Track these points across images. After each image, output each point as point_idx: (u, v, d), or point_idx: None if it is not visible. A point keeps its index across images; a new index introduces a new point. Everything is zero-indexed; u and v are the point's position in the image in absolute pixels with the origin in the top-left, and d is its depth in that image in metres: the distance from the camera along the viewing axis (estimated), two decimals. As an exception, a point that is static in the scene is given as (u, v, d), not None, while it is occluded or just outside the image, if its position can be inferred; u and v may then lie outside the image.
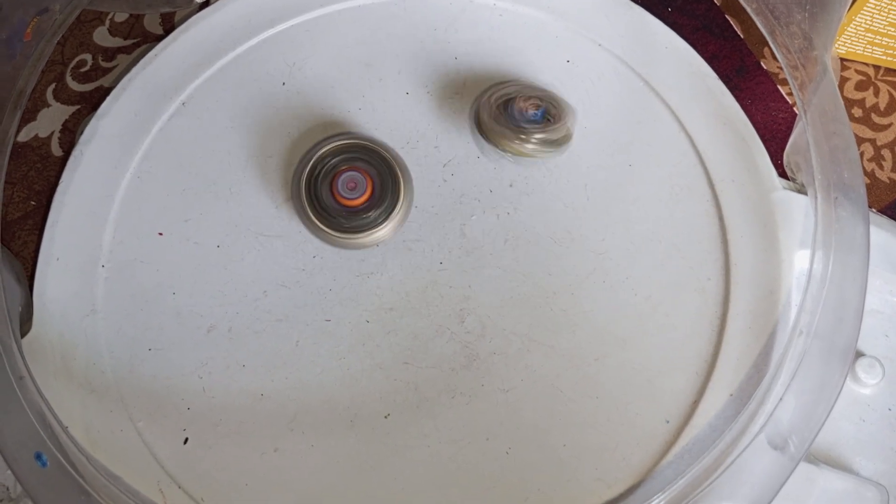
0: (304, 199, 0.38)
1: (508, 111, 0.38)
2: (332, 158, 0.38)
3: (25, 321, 0.37)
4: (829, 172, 0.34)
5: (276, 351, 0.37)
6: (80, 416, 0.36)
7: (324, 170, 0.38)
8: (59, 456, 0.31)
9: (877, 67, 0.45)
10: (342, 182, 0.37)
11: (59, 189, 0.40)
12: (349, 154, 0.38)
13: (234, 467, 0.35)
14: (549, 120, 0.38)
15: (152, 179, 0.40)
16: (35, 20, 0.38)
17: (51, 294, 0.38)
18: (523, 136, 0.38)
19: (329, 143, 0.38)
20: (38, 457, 0.31)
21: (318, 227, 0.38)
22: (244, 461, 0.35)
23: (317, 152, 0.38)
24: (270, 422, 0.36)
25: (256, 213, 0.39)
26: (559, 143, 0.38)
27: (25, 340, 0.37)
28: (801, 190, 0.39)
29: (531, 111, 0.38)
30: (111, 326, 0.38)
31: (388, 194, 0.38)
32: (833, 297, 0.33)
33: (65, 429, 0.33)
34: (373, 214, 0.38)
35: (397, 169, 0.38)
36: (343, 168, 0.38)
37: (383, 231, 0.38)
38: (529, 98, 0.38)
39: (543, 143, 0.38)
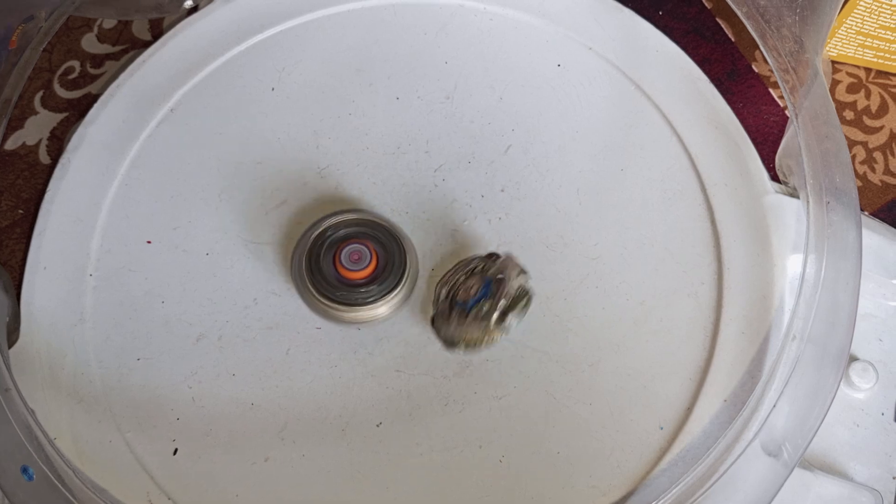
0: (304, 271, 0.36)
1: (458, 307, 0.35)
2: (338, 231, 0.37)
3: (13, 331, 0.37)
4: (821, 176, 0.34)
5: (267, 359, 0.37)
6: (67, 426, 0.35)
7: (327, 242, 0.37)
8: (45, 469, 0.30)
9: (868, 70, 0.45)
10: (346, 254, 0.36)
11: (47, 197, 0.39)
12: (355, 228, 0.37)
13: (224, 477, 0.35)
14: (494, 291, 0.35)
15: (140, 187, 0.40)
16: (20, 28, 0.37)
17: (38, 303, 0.38)
18: (484, 325, 0.35)
19: (335, 217, 0.37)
20: (25, 470, 0.30)
21: (317, 299, 0.36)
22: (235, 471, 0.35)
23: (321, 226, 0.37)
24: (261, 431, 0.36)
25: (246, 220, 0.39)
26: (519, 306, 0.36)
27: (12, 351, 0.36)
28: (793, 193, 0.39)
29: (474, 292, 0.35)
30: (99, 336, 0.37)
31: (393, 269, 0.36)
32: (826, 302, 0.32)
33: (51, 441, 0.32)
34: (374, 289, 0.36)
35: (403, 244, 0.37)
36: (348, 240, 0.36)
37: (383, 308, 0.36)
38: (469, 282, 0.35)
39: (504, 316, 0.35)
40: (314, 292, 0.36)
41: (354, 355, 0.37)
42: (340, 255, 0.36)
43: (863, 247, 0.34)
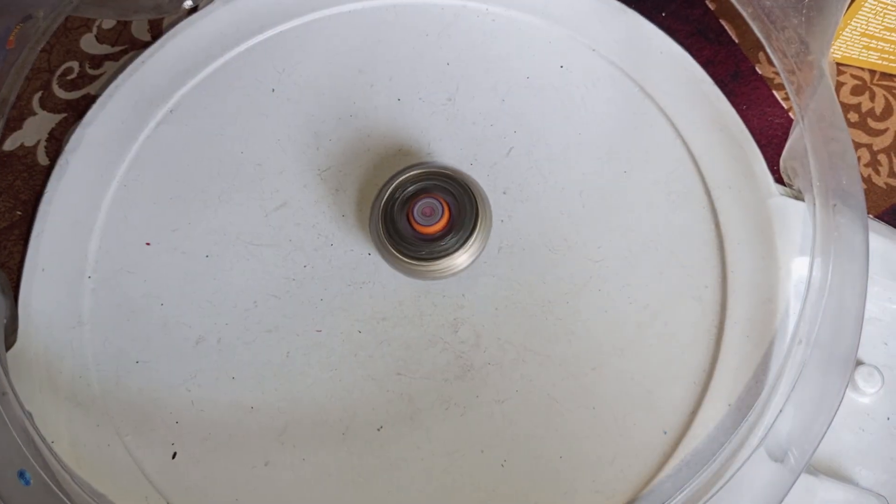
0: (381, 228, 0.36)
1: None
2: (410, 186, 0.37)
3: (10, 334, 0.37)
4: (828, 178, 0.34)
5: (267, 362, 0.36)
6: (65, 430, 0.35)
7: (400, 198, 0.37)
8: (42, 473, 0.30)
9: (872, 72, 0.44)
10: (418, 209, 0.36)
11: (45, 199, 0.39)
12: (427, 181, 0.37)
13: (223, 482, 0.35)
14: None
15: (139, 188, 0.40)
16: (18, 27, 0.37)
17: (36, 306, 0.37)
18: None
19: (406, 173, 0.37)
20: (22, 474, 0.30)
21: (396, 256, 0.36)
22: (234, 475, 0.35)
23: (393, 182, 0.37)
24: (261, 435, 0.35)
25: (246, 222, 0.39)
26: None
27: (10, 353, 0.36)
28: (798, 196, 0.38)
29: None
30: (98, 338, 0.37)
31: (466, 220, 0.36)
32: (833, 306, 0.32)
33: (49, 445, 0.32)
34: (449, 241, 0.36)
35: (474, 195, 0.37)
36: (420, 195, 0.36)
37: (461, 258, 0.36)
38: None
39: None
40: (396, 253, 0.36)
41: (355, 358, 0.37)
42: (413, 212, 0.36)
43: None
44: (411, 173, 0.37)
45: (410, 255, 0.36)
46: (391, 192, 0.37)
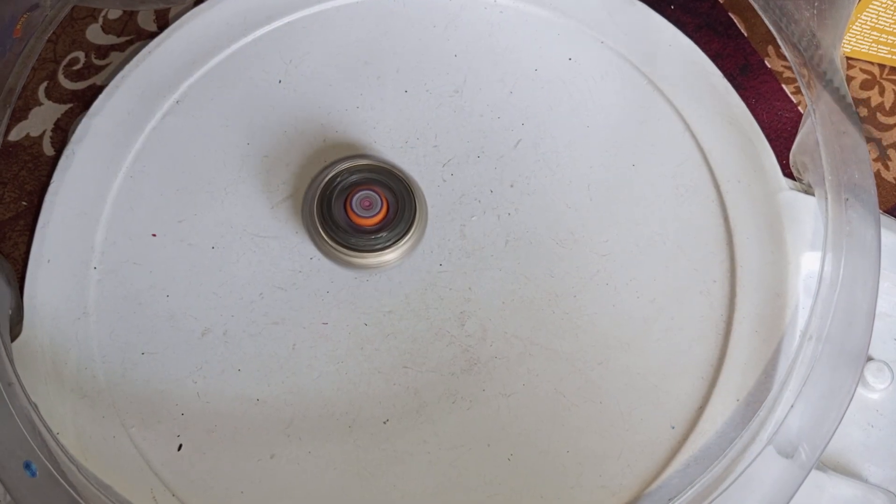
0: (316, 216, 0.37)
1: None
2: (349, 177, 0.37)
3: (15, 324, 0.36)
4: (840, 173, 0.34)
5: (273, 355, 0.36)
6: (71, 421, 0.35)
7: (339, 188, 0.37)
8: (48, 465, 0.30)
9: (882, 66, 0.44)
10: (357, 200, 0.36)
11: (50, 189, 0.39)
12: (367, 174, 0.37)
13: (229, 474, 0.35)
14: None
15: (145, 179, 0.39)
16: (25, 16, 0.37)
17: (41, 297, 0.37)
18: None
19: (346, 163, 0.38)
20: (28, 466, 0.30)
21: (327, 243, 0.37)
22: (240, 468, 0.35)
23: (332, 170, 0.37)
24: (266, 427, 0.35)
25: (252, 214, 0.39)
26: None
27: (15, 344, 0.36)
28: (808, 190, 0.38)
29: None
30: (103, 330, 0.37)
31: (403, 217, 0.37)
32: (844, 301, 0.32)
33: (55, 436, 0.32)
34: (385, 235, 0.36)
35: (413, 193, 0.37)
36: (360, 186, 0.37)
37: (393, 255, 0.37)
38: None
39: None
40: (327, 239, 0.36)
41: (361, 351, 0.36)
42: (352, 202, 0.36)
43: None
44: (354, 164, 0.37)
45: (343, 244, 0.36)
46: (330, 179, 0.37)
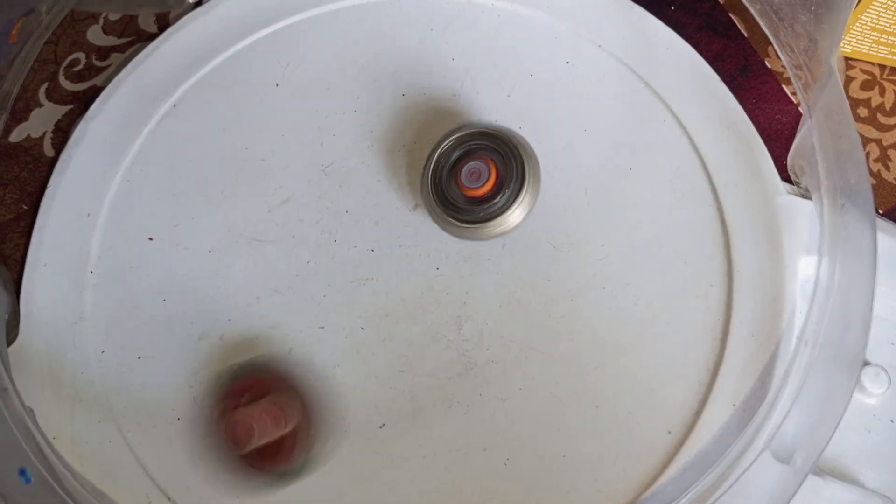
0: (433, 197, 0.37)
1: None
2: (454, 152, 0.37)
3: (11, 328, 0.37)
4: (836, 177, 0.33)
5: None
6: (67, 426, 0.35)
7: (447, 164, 0.37)
8: (43, 471, 0.30)
9: (882, 67, 0.44)
10: (465, 173, 0.36)
11: (47, 193, 0.39)
12: (470, 143, 0.37)
13: (225, 479, 0.35)
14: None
15: (142, 183, 0.39)
16: (21, 21, 0.37)
17: (38, 301, 0.37)
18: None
19: (449, 137, 0.37)
20: (22, 472, 0.30)
21: (450, 222, 0.37)
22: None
23: (437, 150, 0.37)
24: (263, 432, 0.35)
25: (249, 218, 0.39)
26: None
27: (12, 349, 0.36)
28: (805, 194, 0.38)
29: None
30: (100, 334, 0.37)
31: (513, 178, 0.36)
32: (840, 306, 0.32)
33: (50, 442, 0.32)
34: (500, 201, 0.36)
35: (520, 152, 0.37)
36: (464, 159, 0.37)
37: (513, 216, 0.36)
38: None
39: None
40: (449, 218, 0.37)
41: (357, 355, 0.36)
42: (461, 176, 0.36)
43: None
44: (453, 138, 0.37)
45: (461, 219, 0.36)
46: (437, 161, 0.37)
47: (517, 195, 0.36)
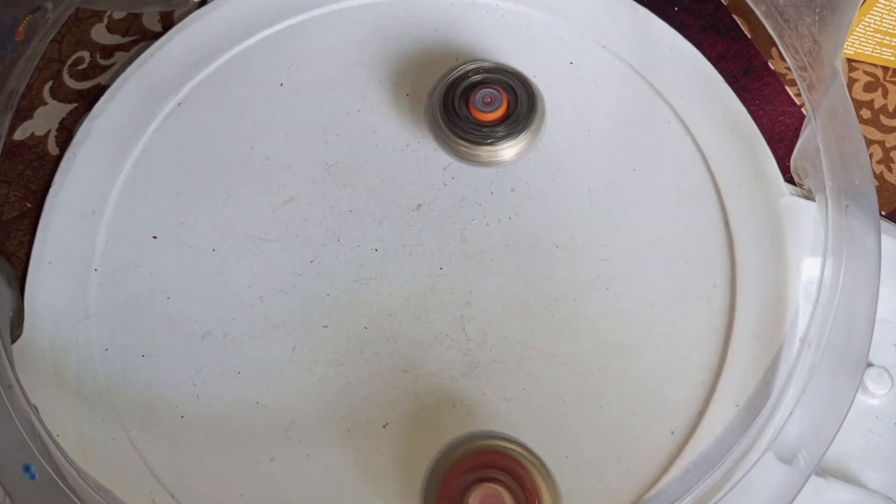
0: (440, 112, 0.38)
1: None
2: (472, 76, 0.39)
3: (16, 326, 0.37)
4: (840, 178, 0.33)
5: (273, 358, 0.36)
6: (71, 424, 0.35)
7: (462, 86, 0.38)
8: (48, 468, 0.30)
9: (886, 68, 0.44)
10: (479, 97, 0.38)
11: (52, 191, 0.39)
12: (487, 74, 0.39)
13: (228, 477, 0.35)
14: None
15: (147, 181, 0.39)
16: (27, 19, 0.37)
17: (42, 299, 0.37)
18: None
19: (468, 65, 0.39)
20: (27, 469, 0.30)
21: (450, 137, 0.38)
22: (239, 471, 0.35)
23: (455, 71, 0.39)
24: (266, 431, 0.35)
25: (253, 217, 0.39)
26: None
27: (16, 346, 0.36)
28: (809, 196, 0.38)
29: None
30: (104, 332, 0.37)
31: (520, 115, 0.38)
32: (844, 308, 0.32)
33: (54, 439, 0.32)
34: (501, 131, 0.38)
35: (534, 96, 0.38)
36: (480, 85, 0.38)
37: (508, 151, 0.38)
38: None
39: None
40: (449, 132, 0.38)
41: (361, 355, 0.36)
42: (474, 99, 0.38)
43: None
44: (475, 65, 0.39)
45: (462, 136, 0.38)
46: (452, 81, 0.39)
47: (520, 131, 0.38)
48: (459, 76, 0.39)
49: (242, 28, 0.42)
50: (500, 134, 0.37)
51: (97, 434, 0.35)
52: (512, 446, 0.32)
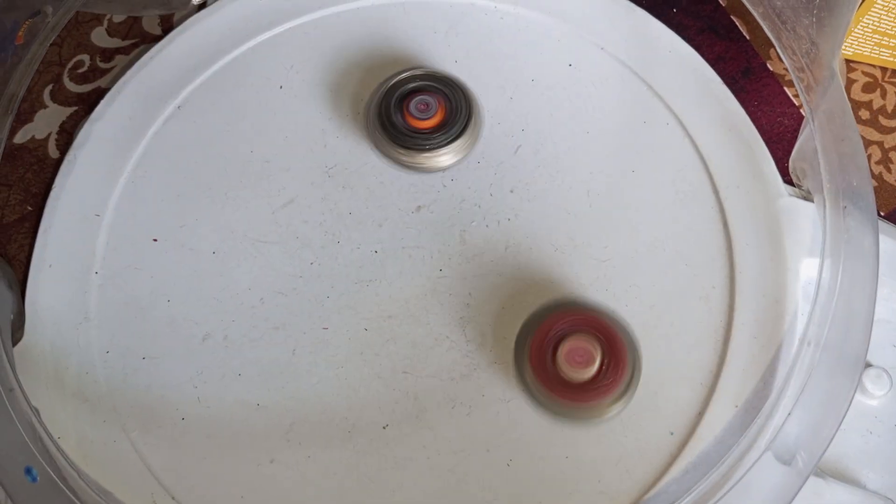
0: (375, 120, 0.39)
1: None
2: (407, 84, 0.39)
3: (17, 329, 0.37)
4: (838, 179, 0.33)
5: (273, 360, 0.37)
6: (72, 426, 0.35)
7: (397, 94, 0.39)
8: (49, 471, 0.30)
9: (884, 69, 0.44)
10: (414, 104, 0.38)
11: (52, 194, 0.39)
12: (423, 82, 0.39)
13: (229, 479, 0.35)
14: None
15: (147, 184, 0.40)
16: (27, 23, 0.37)
17: (43, 301, 0.37)
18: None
19: (404, 73, 0.39)
20: (28, 471, 0.30)
21: (388, 145, 0.38)
22: (240, 473, 0.35)
23: (392, 80, 0.39)
24: (266, 432, 0.35)
25: (253, 219, 0.39)
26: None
27: (17, 349, 0.36)
28: (807, 197, 0.38)
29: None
30: (104, 335, 0.37)
31: (458, 119, 0.38)
32: (842, 308, 0.32)
33: (55, 442, 0.32)
34: (438, 138, 0.38)
35: (470, 97, 0.39)
36: (416, 92, 0.39)
37: (445, 158, 0.38)
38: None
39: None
40: (387, 140, 0.39)
41: (361, 356, 0.37)
42: (409, 106, 0.38)
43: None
44: (409, 73, 0.39)
45: (400, 143, 0.38)
46: (389, 88, 0.39)
47: (456, 137, 0.38)
48: (394, 84, 0.39)
49: (242, 31, 0.42)
50: (438, 141, 0.38)
51: (98, 436, 0.35)
52: (603, 310, 0.36)
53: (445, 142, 0.38)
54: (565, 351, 0.34)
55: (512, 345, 0.36)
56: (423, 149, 0.38)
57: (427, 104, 0.38)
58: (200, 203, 0.39)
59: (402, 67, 0.41)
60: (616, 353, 0.34)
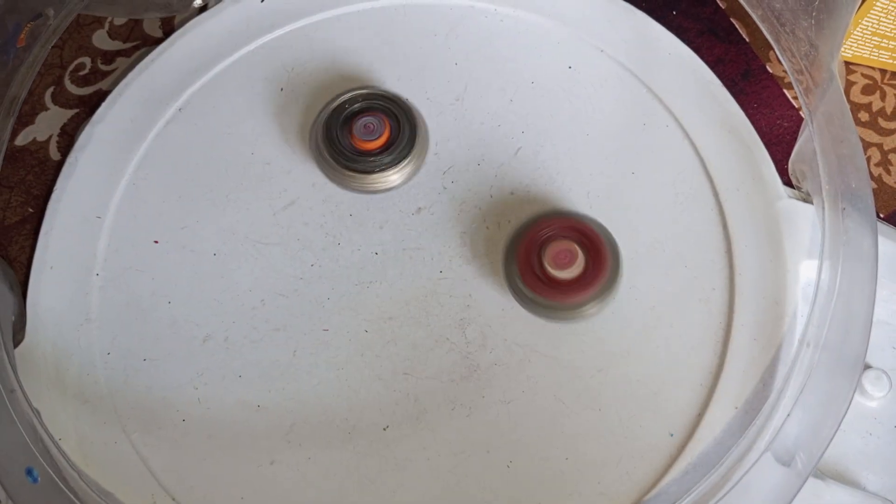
0: (321, 141, 0.38)
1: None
2: (353, 105, 0.39)
3: (18, 331, 0.37)
4: (837, 181, 0.34)
5: (274, 361, 0.37)
6: (73, 427, 0.35)
7: (343, 115, 0.38)
8: (50, 472, 0.30)
9: (883, 71, 0.44)
10: (359, 126, 0.38)
11: (54, 196, 0.39)
12: (369, 102, 0.39)
13: (229, 480, 0.35)
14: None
15: (148, 186, 0.40)
16: (29, 26, 0.37)
17: (44, 303, 0.37)
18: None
19: (350, 92, 0.39)
20: (29, 472, 0.30)
21: (332, 166, 0.38)
22: (240, 474, 0.35)
23: (336, 100, 0.39)
24: (267, 433, 0.36)
25: (254, 221, 0.39)
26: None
27: (18, 350, 0.36)
28: (807, 199, 0.38)
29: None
30: (105, 336, 0.37)
31: (404, 140, 0.38)
32: (841, 310, 0.32)
33: (56, 443, 0.32)
34: (385, 159, 0.38)
35: (414, 117, 0.39)
36: (362, 113, 0.38)
37: (393, 177, 0.38)
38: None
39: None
40: (332, 161, 0.38)
41: (361, 358, 0.37)
42: (354, 127, 0.38)
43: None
44: (355, 92, 0.39)
45: (346, 166, 0.38)
46: (335, 109, 0.39)
47: (403, 158, 0.38)
48: (339, 105, 0.39)
49: (243, 33, 0.42)
50: (385, 161, 0.38)
51: (99, 437, 0.35)
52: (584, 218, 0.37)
53: (392, 163, 0.38)
54: (552, 253, 0.36)
55: (513, 346, 0.37)
56: (371, 171, 0.38)
57: (373, 125, 0.38)
58: (201, 205, 0.39)
59: (402, 69, 0.41)
60: (597, 253, 0.36)
